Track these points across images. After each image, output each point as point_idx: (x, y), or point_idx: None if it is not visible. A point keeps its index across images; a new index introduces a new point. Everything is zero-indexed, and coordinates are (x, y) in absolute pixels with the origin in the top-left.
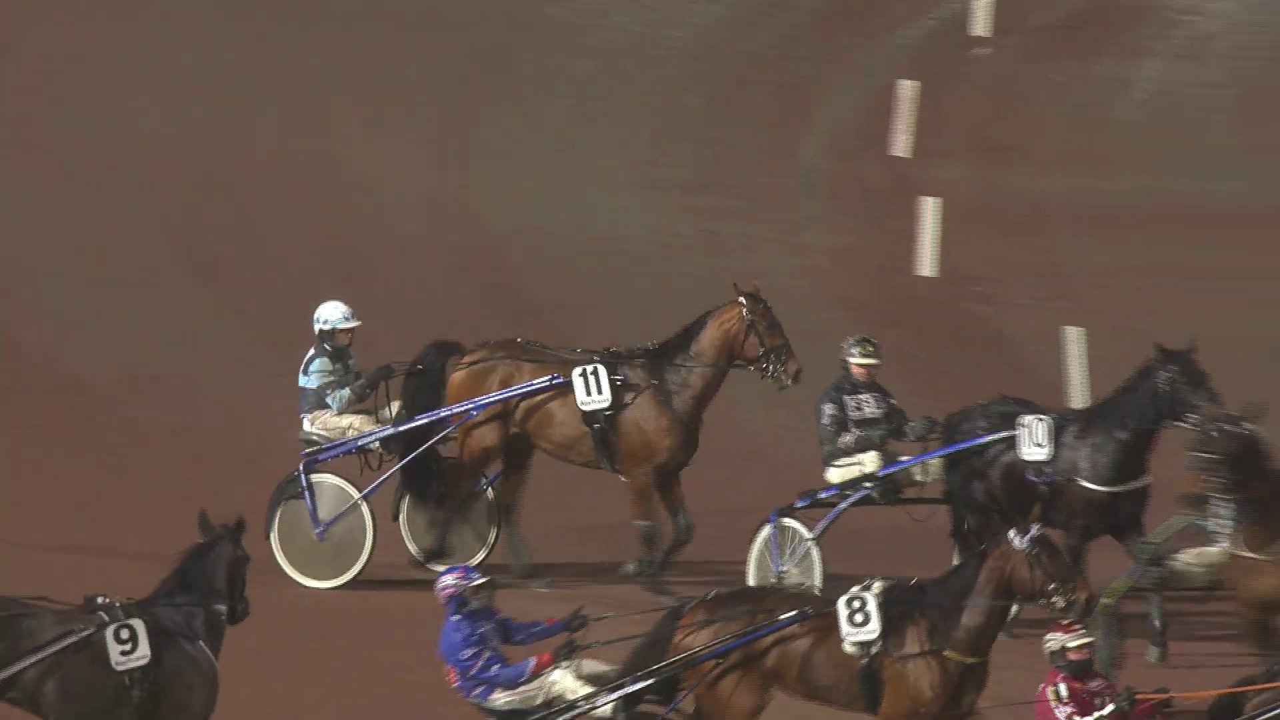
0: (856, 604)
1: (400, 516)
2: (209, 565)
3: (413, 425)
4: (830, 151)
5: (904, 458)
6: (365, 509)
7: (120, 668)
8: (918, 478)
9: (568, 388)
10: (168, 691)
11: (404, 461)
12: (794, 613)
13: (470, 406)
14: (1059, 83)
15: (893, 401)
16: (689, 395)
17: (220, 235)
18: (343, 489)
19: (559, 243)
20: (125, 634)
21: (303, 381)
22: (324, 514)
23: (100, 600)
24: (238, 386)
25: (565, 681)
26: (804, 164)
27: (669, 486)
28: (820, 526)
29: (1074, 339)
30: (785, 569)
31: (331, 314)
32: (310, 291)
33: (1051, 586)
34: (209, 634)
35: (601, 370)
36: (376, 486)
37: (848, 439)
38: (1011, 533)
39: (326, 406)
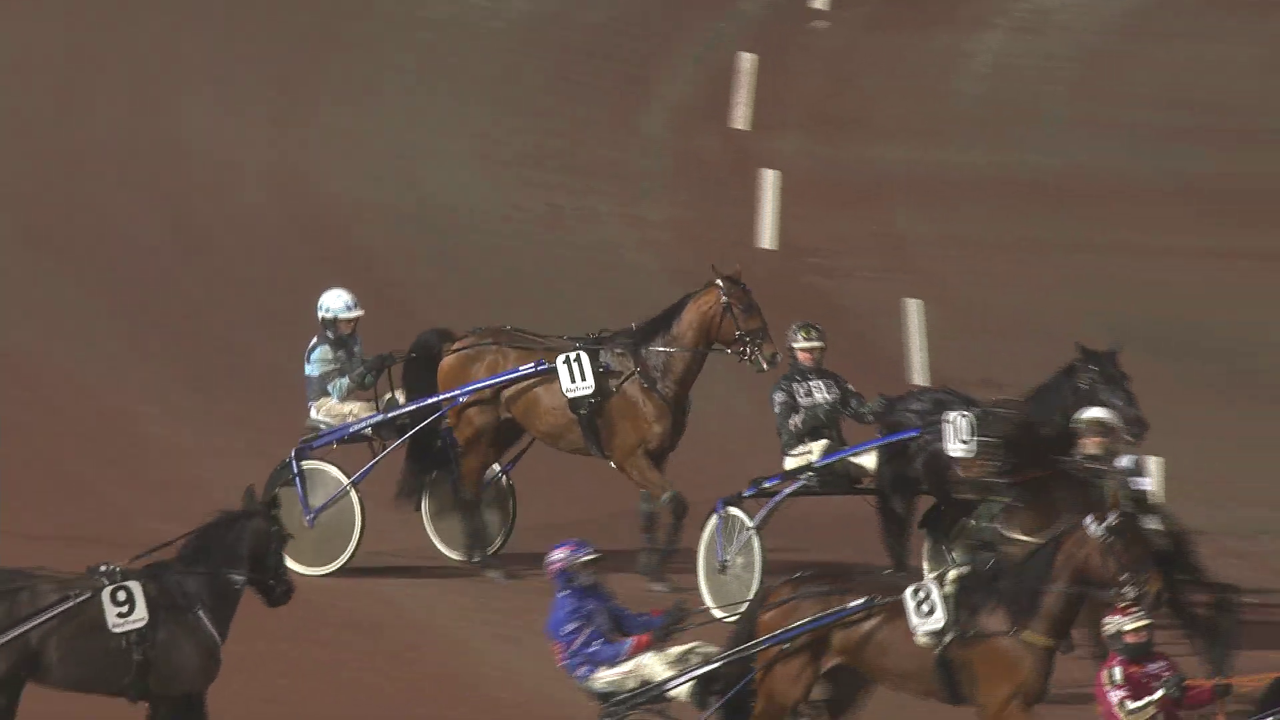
0: (922, 594)
1: (422, 509)
2: (232, 536)
3: (400, 411)
4: (671, 124)
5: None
6: (354, 496)
7: (116, 629)
8: (861, 462)
9: (553, 375)
10: (164, 656)
11: (390, 448)
12: (860, 601)
13: (458, 393)
14: (898, 55)
15: (848, 386)
16: (671, 380)
17: (61, 209)
18: (335, 476)
19: (400, 215)
20: (122, 596)
21: (307, 370)
22: (315, 501)
23: (103, 567)
24: (78, 360)
25: (654, 666)
26: (645, 136)
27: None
28: (760, 515)
29: (914, 311)
30: (728, 558)
31: (333, 303)
32: (151, 264)
33: (1124, 576)
34: (217, 602)
35: (585, 357)
36: (366, 472)
37: (796, 419)
38: (1088, 519)
39: (329, 394)
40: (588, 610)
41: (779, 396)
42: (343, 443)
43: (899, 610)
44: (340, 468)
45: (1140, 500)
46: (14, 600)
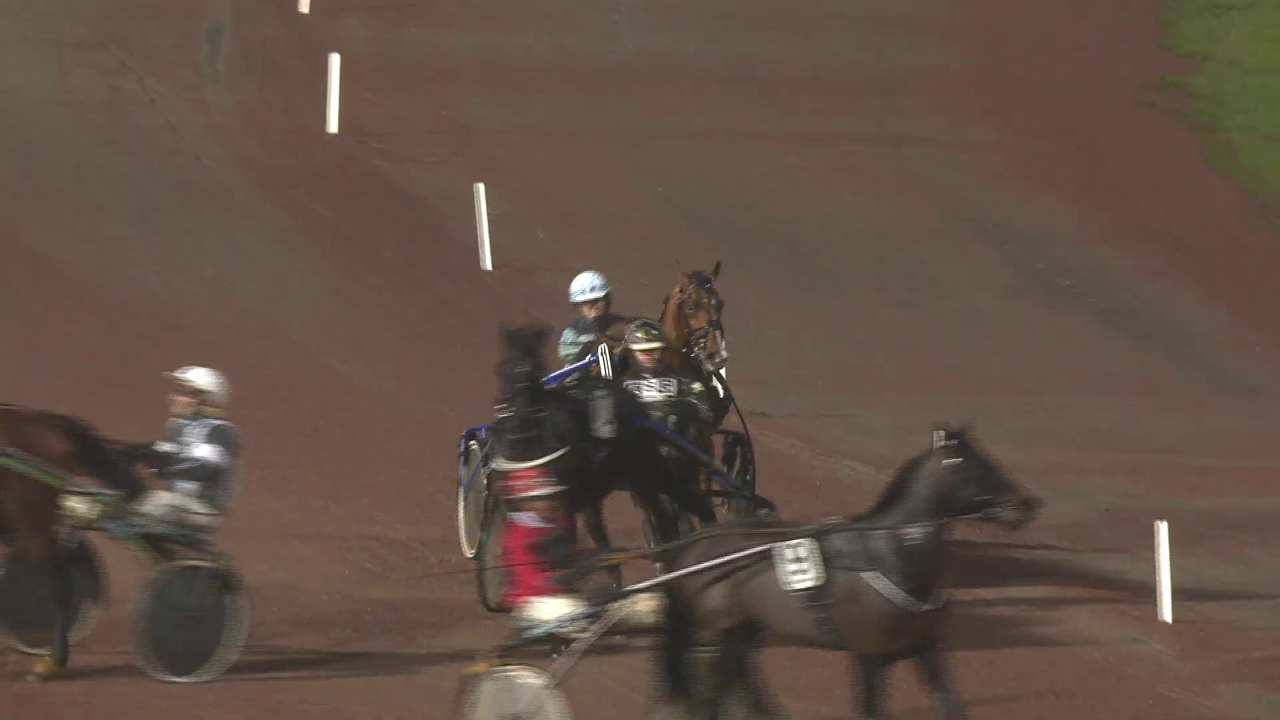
0: None
1: None
2: (911, 484)
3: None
4: (234, 8)
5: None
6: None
7: (788, 587)
8: None
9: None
10: (838, 616)
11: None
12: None
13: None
14: None
15: (690, 386)
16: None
17: None
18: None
19: None
20: (799, 553)
21: None
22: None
23: (827, 521)
24: None
25: None
26: (209, 21)
27: None
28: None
29: (481, 197)
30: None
31: (574, 286)
32: None
33: None
34: (899, 558)
35: (606, 350)
36: (486, 454)
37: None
38: None
39: None
40: None
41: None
42: None
43: None
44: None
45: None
46: (714, 546)
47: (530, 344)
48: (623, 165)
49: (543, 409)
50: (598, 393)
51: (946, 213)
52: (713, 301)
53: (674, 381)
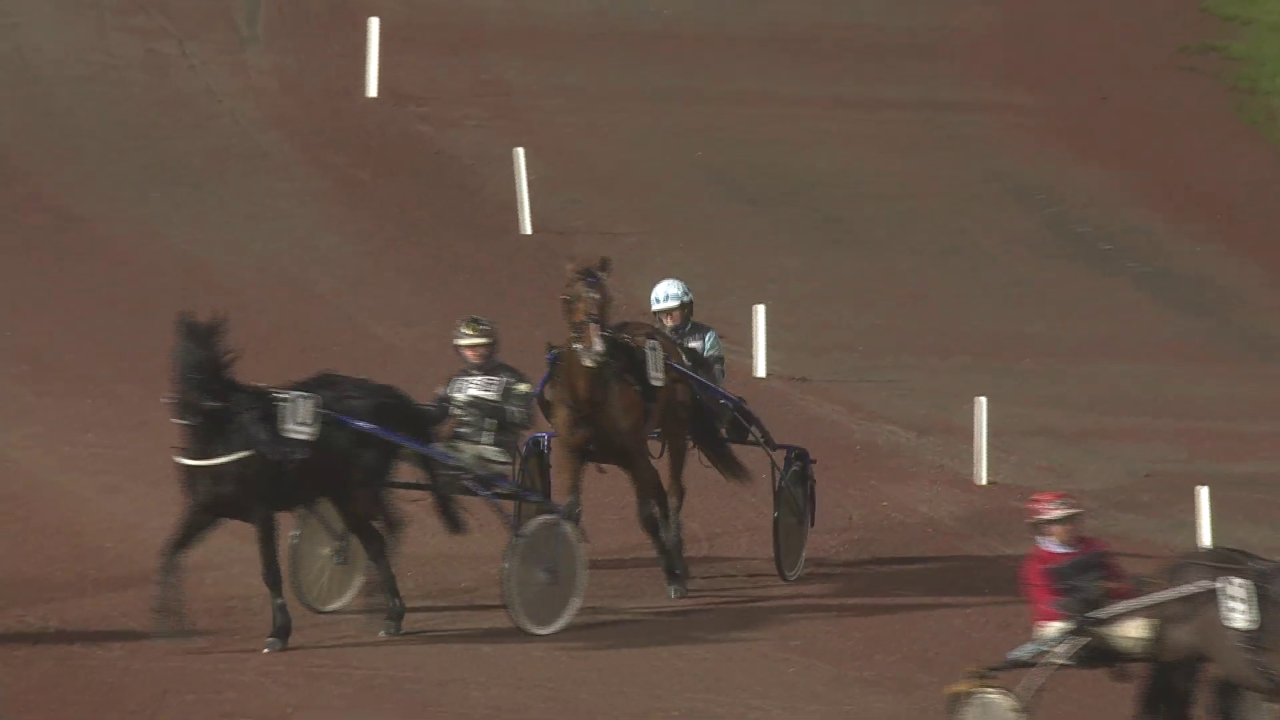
0: None
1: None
2: None
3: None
4: None
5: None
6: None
7: (1230, 624)
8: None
9: None
10: (1276, 661)
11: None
12: None
13: None
14: None
15: (515, 387)
16: (563, 379)
17: None
18: None
19: None
20: (1238, 592)
21: None
22: None
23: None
24: None
25: None
26: None
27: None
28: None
29: (521, 160)
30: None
31: (652, 295)
32: None
33: None
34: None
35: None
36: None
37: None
38: None
39: None
40: None
41: (437, 392)
42: None
43: None
44: None
45: None
46: (1175, 575)
47: (205, 335)
48: (659, 129)
49: (218, 403)
50: (298, 392)
51: (985, 177)
52: (592, 296)
53: (499, 381)
